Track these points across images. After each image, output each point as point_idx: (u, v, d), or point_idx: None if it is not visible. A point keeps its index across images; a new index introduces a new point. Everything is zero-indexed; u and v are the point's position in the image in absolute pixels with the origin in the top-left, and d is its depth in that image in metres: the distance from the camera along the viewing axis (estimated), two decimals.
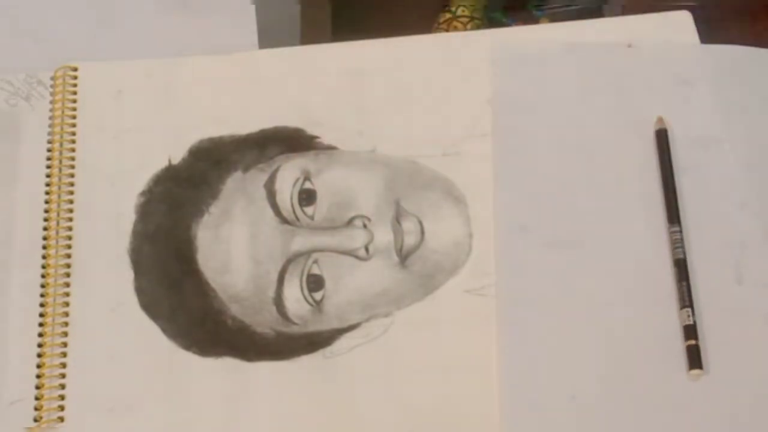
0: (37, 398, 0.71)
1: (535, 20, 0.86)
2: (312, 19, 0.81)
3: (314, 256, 0.75)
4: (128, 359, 0.72)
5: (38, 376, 0.71)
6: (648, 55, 0.82)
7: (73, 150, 0.80)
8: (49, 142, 0.80)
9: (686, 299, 0.72)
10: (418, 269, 0.74)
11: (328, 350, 0.72)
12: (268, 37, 0.85)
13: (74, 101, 0.82)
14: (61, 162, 0.79)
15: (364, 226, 0.76)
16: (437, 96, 0.80)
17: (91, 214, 0.77)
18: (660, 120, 0.79)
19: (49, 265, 0.75)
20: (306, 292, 0.74)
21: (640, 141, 0.79)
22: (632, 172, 0.78)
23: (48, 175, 0.79)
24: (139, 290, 0.74)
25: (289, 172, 0.76)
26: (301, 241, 0.75)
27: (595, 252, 0.75)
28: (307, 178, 0.77)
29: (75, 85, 0.83)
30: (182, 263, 0.75)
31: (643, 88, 0.81)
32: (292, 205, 0.77)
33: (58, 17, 0.87)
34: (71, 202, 0.78)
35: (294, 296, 0.74)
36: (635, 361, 0.71)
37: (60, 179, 0.79)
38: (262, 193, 0.78)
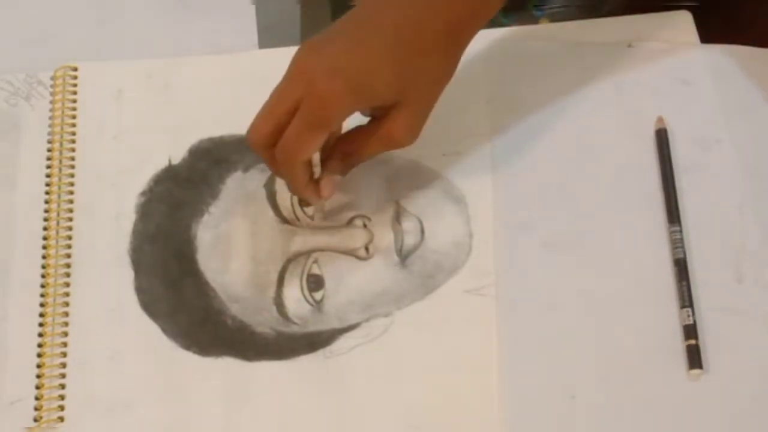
0: (37, 398, 0.71)
1: (535, 20, 0.86)
2: (312, 19, 0.81)
3: (314, 255, 0.75)
4: (128, 359, 0.72)
5: (38, 376, 0.71)
6: (648, 55, 0.82)
7: (73, 150, 0.80)
8: (49, 142, 0.80)
9: (686, 299, 0.72)
10: (418, 269, 0.74)
11: (328, 350, 0.72)
12: (268, 37, 0.85)
13: (74, 101, 0.82)
14: (61, 162, 0.79)
15: (364, 225, 0.76)
16: None
17: (91, 214, 0.77)
18: (660, 120, 0.79)
19: (49, 265, 0.75)
20: (306, 292, 0.74)
21: (640, 141, 0.79)
22: (632, 172, 0.78)
23: (48, 175, 0.79)
24: (139, 290, 0.74)
25: None
26: (301, 241, 0.75)
27: (595, 252, 0.75)
28: None
29: (75, 85, 0.83)
30: (182, 263, 0.75)
31: (643, 88, 0.81)
32: (292, 205, 0.77)
33: (58, 17, 0.87)
34: (71, 202, 0.78)
35: (294, 296, 0.74)
36: (635, 361, 0.71)
37: (60, 179, 0.79)
38: (262, 193, 0.78)
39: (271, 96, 0.69)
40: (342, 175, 0.73)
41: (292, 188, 0.73)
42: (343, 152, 0.72)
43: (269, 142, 0.69)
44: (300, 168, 0.70)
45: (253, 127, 0.69)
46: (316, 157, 0.70)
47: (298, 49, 0.69)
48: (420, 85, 0.70)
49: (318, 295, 0.74)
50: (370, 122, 0.72)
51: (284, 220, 0.76)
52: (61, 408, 0.71)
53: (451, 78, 0.71)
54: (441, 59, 0.70)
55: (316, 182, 0.72)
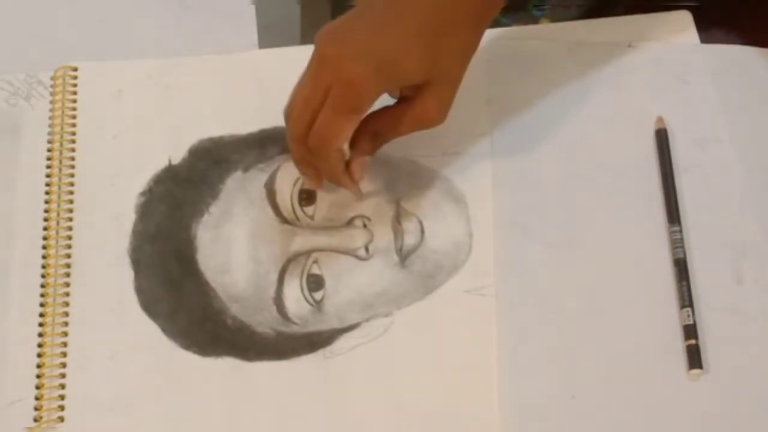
0: (37, 398, 0.71)
1: (535, 20, 0.86)
2: (312, 19, 0.81)
3: (314, 255, 0.75)
4: (128, 359, 0.72)
5: (38, 376, 0.71)
6: (648, 55, 0.82)
7: (73, 150, 0.80)
8: (49, 142, 0.80)
9: (686, 299, 0.72)
10: (418, 269, 0.74)
11: (328, 350, 0.72)
12: (268, 37, 0.85)
13: (74, 101, 0.82)
14: (61, 162, 0.79)
15: (364, 225, 0.76)
16: None
17: (91, 214, 0.77)
18: (660, 120, 0.79)
19: (49, 265, 0.75)
20: (306, 292, 0.74)
21: (640, 141, 0.79)
22: (632, 172, 0.78)
23: (48, 175, 0.79)
24: (139, 290, 0.74)
25: (289, 171, 0.76)
26: (301, 241, 0.75)
27: (595, 252, 0.75)
28: None
29: (75, 85, 0.83)
30: (182, 263, 0.75)
31: (643, 88, 0.81)
32: (292, 205, 0.77)
33: (58, 17, 0.87)
34: (71, 202, 0.78)
35: (294, 296, 0.74)
36: (635, 361, 0.71)
37: (60, 179, 0.79)
38: (262, 193, 0.78)
39: (300, 86, 0.70)
40: (371, 155, 0.73)
41: (330, 176, 0.73)
42: (372, 132, 0.72)
43: (306, 134, 0.69)
44: (335, 154, 0.70)
45: (295, 120, 0.70)
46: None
47: (319, 37, 0.69)
48: (449, 64, 0.70)
49: (318, 295, 0.74)
50: (398, 102, 0.72)
51: (284, 220, 0.76)
52: (61, 408, 0.71)
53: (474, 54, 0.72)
54: (468, 38, 0.71)
55: (347, 165, 0.72)
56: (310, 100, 0.69)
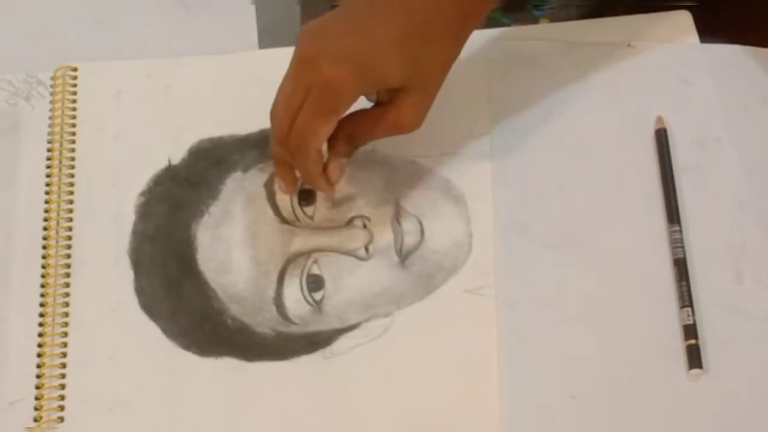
0: (37, 398, 0.71)
1: (535, 20, 0.86)
2: (312, 19, 0.81)
3: (314, 256, 0.75)
4: (128, 359, 0.72)
5: (38, 376, 0.71)
6: (648, 55, 0.82)
7: (73, 150, 0.80)
8: (49, 142, 0.80)
9: (686, 299, 0.72)
10: (418, 269, 0.74)
11: (328, 350, 0.72)
12: (268, 37, 0.85)
13: (74, 101, 0.82)
14: (61, 162, 0.79)
15: (364, 226, 0.76)
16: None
17: (91, 214, 0.77)
18: (660, 120, 0.79)
19: (49, 265, 0.75)
20: (306, 292, 0.74)
21: (640, 141, 0.79)
22: (632, 172, 0.78)
23: (48, 175, 0.79)
24: (139, 290, 0.74)
25: None
26: (301, 241, 0.75)
27: (595, 252, 0.75)
28: None
29: (75, 85, 0.83)
30: (182, 263, 0.75)
31: (643, 88, 0.81)
32: (292, 205, 0.77)
33: (58, 17, 0.87)
34: (71, 202, 0.78)
35: (294, 296, 0.74)
36: (635, 361, 0.71)
37: (60, 179, 0.79)
38: (262, 193, 0.78)
39: (282, 88, 0.70)
40: (347, 158, 0.73)
41: (306, 177, 0.73)
42: (348, 134, 0.72)
43: (288, 134, 0.70)
44: (313, 156, 0.70)
45: (277, 121, 0.70)
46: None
47: (300, 35, 0.69)
48: (428, 70, 0.70)
49: (318, 296, 0.74)
50: (375, 106, 0.72)
51: (284, 221, 0.76)
52: (61, 408, 0.71)
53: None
54: (449, 45, 0.71)
55: (324, 168, 0.72)
56: (291, 101, 0.69)
